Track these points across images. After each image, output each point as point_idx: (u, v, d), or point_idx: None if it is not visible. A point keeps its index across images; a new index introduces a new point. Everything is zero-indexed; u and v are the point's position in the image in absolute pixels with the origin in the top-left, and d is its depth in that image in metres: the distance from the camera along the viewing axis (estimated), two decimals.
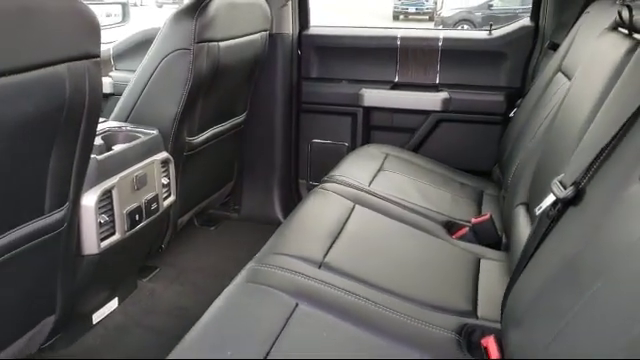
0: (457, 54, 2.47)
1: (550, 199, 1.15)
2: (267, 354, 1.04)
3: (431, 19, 16.65)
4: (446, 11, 15.23)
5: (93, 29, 1.19)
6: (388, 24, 13.62)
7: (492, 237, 1.73)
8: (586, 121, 1.25)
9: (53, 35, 1.08)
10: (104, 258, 1.54)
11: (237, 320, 1.15)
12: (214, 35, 1.85)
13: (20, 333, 1.35)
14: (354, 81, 2.57)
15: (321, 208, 1.72)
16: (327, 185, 1.87)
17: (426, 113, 2.49)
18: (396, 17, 17.71)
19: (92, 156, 1.42)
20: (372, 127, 2.60)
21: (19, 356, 1.43)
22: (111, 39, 2.67)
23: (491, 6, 13.70)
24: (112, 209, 1.54)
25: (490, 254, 1.64)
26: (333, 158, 2.28)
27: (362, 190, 1.87)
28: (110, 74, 2.59)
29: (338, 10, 15.32)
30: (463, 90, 2.45)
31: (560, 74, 1.88)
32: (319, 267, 1.38)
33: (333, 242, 1.51)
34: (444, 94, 2.46)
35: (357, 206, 1.75)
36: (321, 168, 2.12)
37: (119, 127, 1.76)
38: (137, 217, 1.63)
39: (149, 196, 1.69)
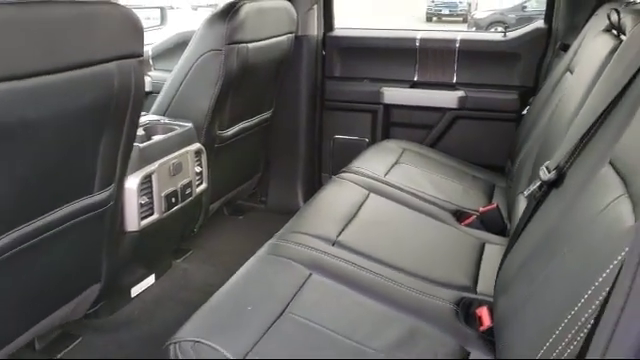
0: (473, 55, 2.59)
1: (537, 183, 1.29)
2: (282, 312, 1.20)
3: (464, 21, 16.57)
4: (479, 13, 15.17)
5: (138, 31, 1.38)
6: (421, 26, 13.66)
7: (498, 225, 1.85)
8: (574, 113, 1.39)
9: (105, 37, 1.27)
10: (143, 236, 1.73)
11: (257, 283, 1.32)
12: (244, 37, 2.03)
13: (71, 296, 1.54)
14: (375, 80, 2.70)
15: (337, 194, 1.88)
16: (345, 175, 2.02)
17: (443, 111, 2.62)
18: (429, 19, 17.69)
19: (135, 144, 1.60)
20: (391, 124, 2.73)
21: (69, 319, 1.63)
22: (149, 41, 2.84)
23: (525, 7, 13.54)
24: (151, 192, 1.73)
25: (495, 240, 1.75)
26: (354, 153, 2.40)
27: (377, 180, 2.01)
28: (149, 73, 2.78)
29: (374, 12, 15.45)
30: (479, 89, 2.57)
31: (568, 73, 1.99)
32: (332, 244, 1.54)
33: (347, 224, 1.67)
34: (460, 92, 2.58)
35: (371, 194, 1.90)
36: (342, 162, 2.23)
37: (158, 120, 1.96)
38: (173, 200, 1.82)
39: (184, 182, 1.88)
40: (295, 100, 2.69)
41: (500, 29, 2.79)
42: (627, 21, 1.46)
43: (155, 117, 1.99)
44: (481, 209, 1.91)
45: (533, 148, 1.80)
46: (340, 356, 1.12)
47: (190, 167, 1.92)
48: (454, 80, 2.61)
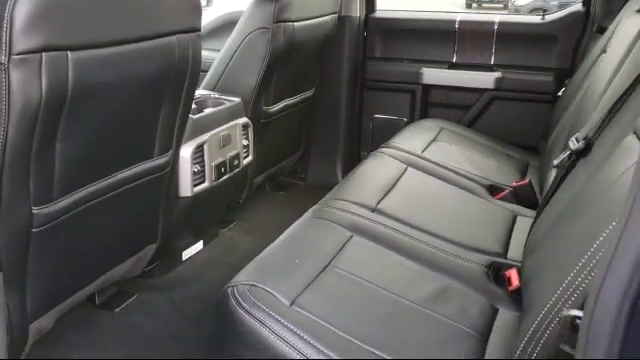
0: (511, 37, 2.64)
1: (566, 152, 1.36)
2: (326, 266, 1.32)
3: (505, 7, 16.29)
4: None
5: (196, 7, 1.50)
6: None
7: (530, 199, 1.91)
8: (604, 90, 1.45)
9: (169, 11, 1.39)
10: (195, 201, 1.86)
11: (302, 242, 1.44)
12: (290, 16, 2.13)
13: (130, 253, 1.69)
14: (415, 61, 2.77)
15: (377, 168, 1.98)
16: (384, 150, 2.12)
17: (480, 91, 2.68)
18: (469, 5, 17.41)
19: (189, 115, 1.73)
20: (430, 104, 2.80)
21: (127, 276, 1.78)
22: None
23: None
24: (203, 161, 1.86)
25: (526, 212, 1.82)
26: (392, 132, 2.47)
27: (415, 155, 2.10)
28: None
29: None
30: (516, 70, 2.62)
31: (603, 54, 2.04)
32: (372, 211, 1.65)
33: (386, 194, 1.77)
34: (498, 74, 2.64)
35: (409, 168, 1.99)
36: (381, 141, 2.31)
37: (208, 94, 2.08)
38: (222, 170, 1.95)
39: (232, 153, 2.00)
40: (337, 80, 2.78)
41: None
42: None
43: (205, 92, 2.12)
44: (514, 184, 1.98)
45: (565, 126, 1.86)
46: (379, 305, 1.23)
47: (238, 140, 2.05)
48: (492, 61, 2.67)
